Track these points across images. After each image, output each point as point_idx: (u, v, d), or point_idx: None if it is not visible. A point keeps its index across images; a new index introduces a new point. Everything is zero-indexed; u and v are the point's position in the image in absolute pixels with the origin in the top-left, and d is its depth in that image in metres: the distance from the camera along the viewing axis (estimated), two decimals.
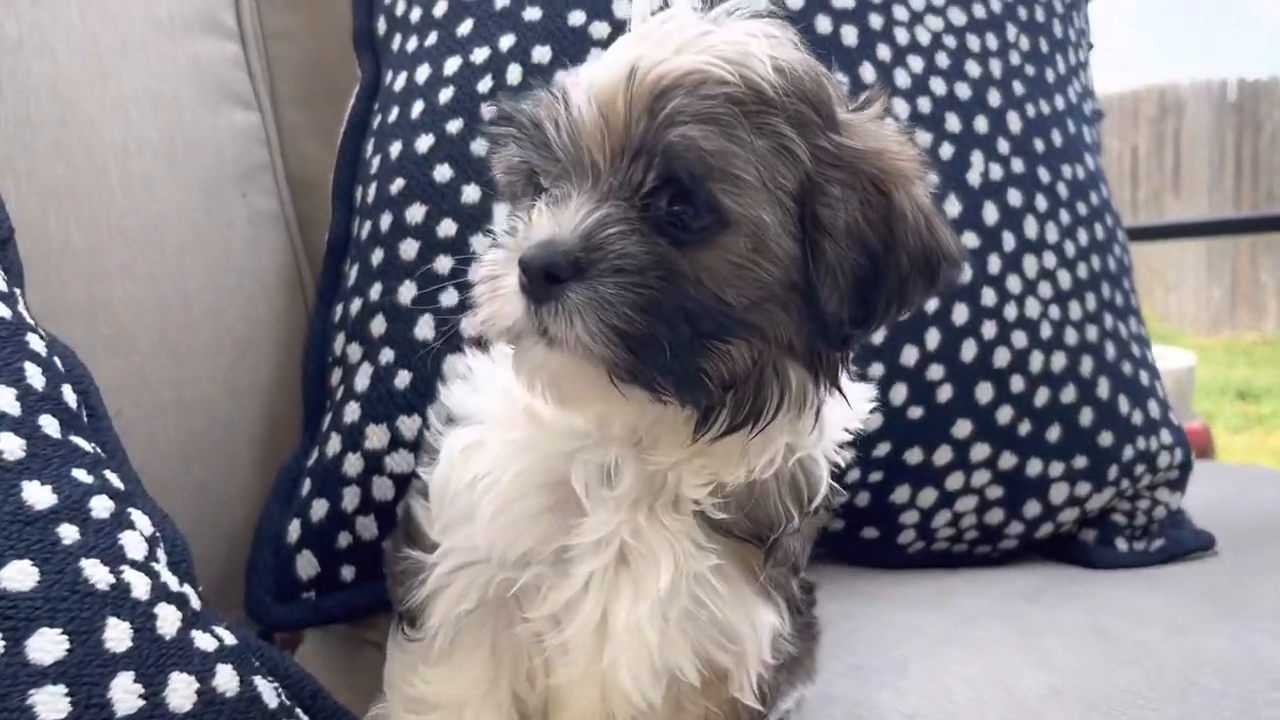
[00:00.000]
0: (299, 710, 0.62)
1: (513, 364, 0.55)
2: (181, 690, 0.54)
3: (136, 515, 0.59)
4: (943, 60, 1.03)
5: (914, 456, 1.01)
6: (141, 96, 0.97)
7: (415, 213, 0.90)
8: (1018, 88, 1.07)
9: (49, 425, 0.57)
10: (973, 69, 1.04)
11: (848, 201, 0.53)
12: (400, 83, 0.97)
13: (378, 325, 0.89)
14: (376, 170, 0.95)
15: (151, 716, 0.52)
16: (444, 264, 0.88)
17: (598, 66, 0.53)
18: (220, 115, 1.04)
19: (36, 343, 0.60)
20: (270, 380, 1.00)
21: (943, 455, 1.02)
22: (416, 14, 0.99)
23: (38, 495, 0.53)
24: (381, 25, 1.03)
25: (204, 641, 0.57)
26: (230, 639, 0.60)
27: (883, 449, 1.00)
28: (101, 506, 0.56)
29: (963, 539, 1.07)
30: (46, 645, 0.49)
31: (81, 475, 0.57)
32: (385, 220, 0.92)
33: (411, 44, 0.98)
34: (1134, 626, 0.84)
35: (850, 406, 0.60)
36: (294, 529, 0.88)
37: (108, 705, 0.50)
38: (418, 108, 0.94)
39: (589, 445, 0.58)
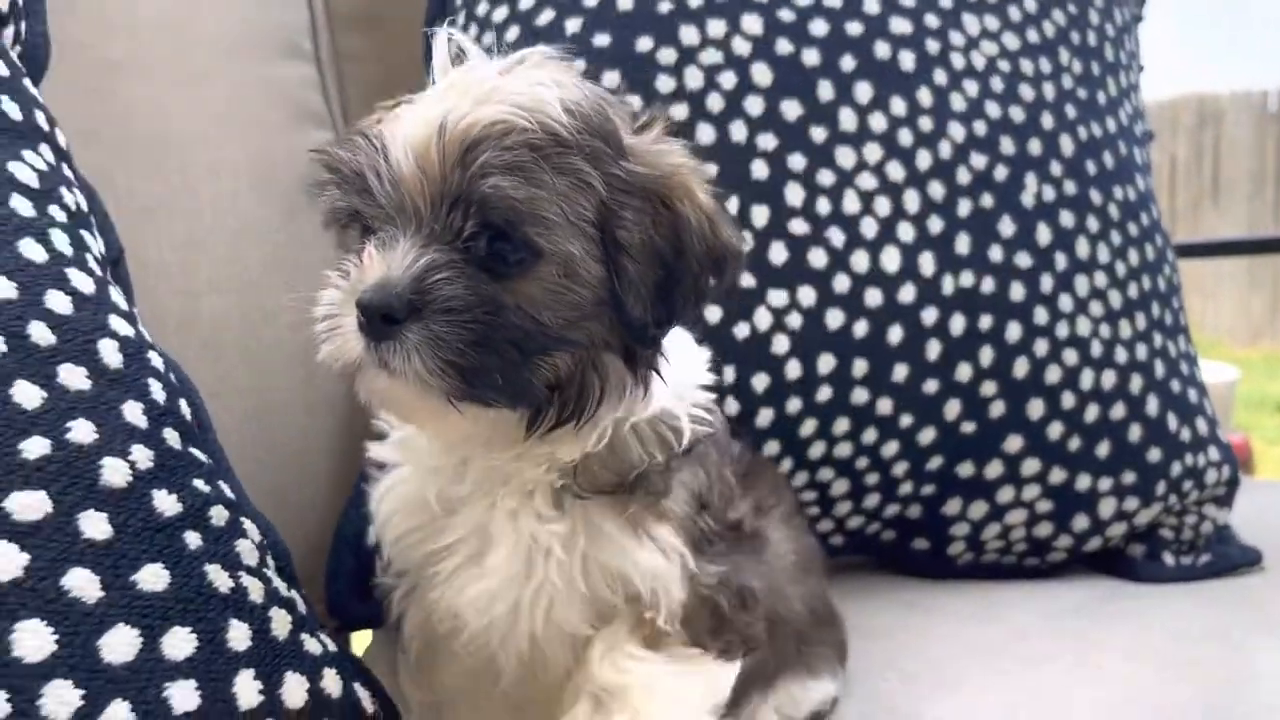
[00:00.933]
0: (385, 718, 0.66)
1: (357, 389, 0.60)
2: (295, 689, 0.57)
3: (248, 524, 0.63)
4: (997, 84, 1.06)
5: (966, 470, 1.04)
6: (228, 118, 1.02)
7: None
8: (1070, 111, 1.09)
9: (171, 438, 0.61)
10: (1026, 93, 1.07)
11: (640, 221, 0.60)
12: None
13: None
14: None
15: (270, 712, 0.56)
16: None
17: (411, 119, 0.58)
18: (298, 135, 1.09)
19: (156, 359, 0.65)
20: (345, 392, 1.04)
21: (994, 469, 1.04)
22: (488, 37, 1.03)
23: (166, 504, 0.57)
24: None
25: (311, 645, 0.61)
26: (331, 645, 0.64)
27: (935, 463, 1.03)
28: (219, 515, 0.60)
29: (1011, 551, 1.09)
30: (178, 643, 0.53)
31: (200, 485, 0.61)
32: None
33: None
34: (1185, 644, 0.86)
35: (691, 370, 0.69)
36: (372, 531, 0.92)
37: (232, 699, 0.54)
38: None
39: (445, 459, 0.66)
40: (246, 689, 0.55)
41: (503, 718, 0.72)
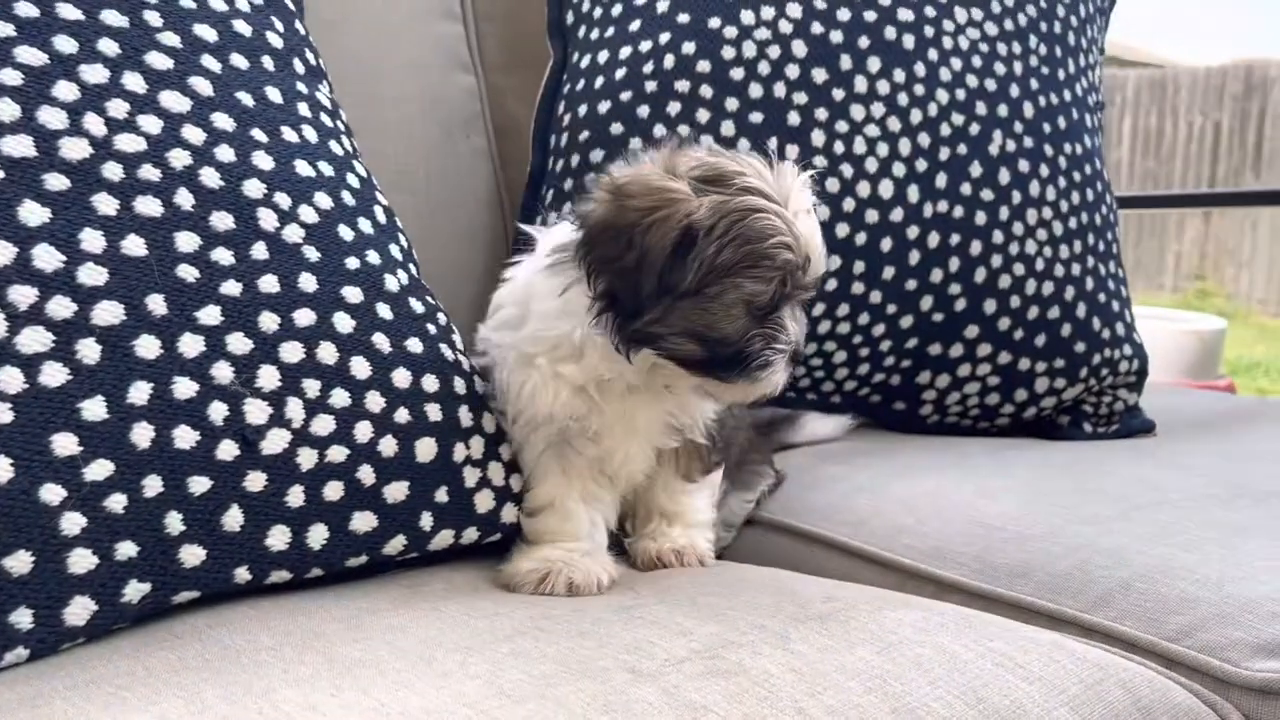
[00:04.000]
0: None
1: (754, 384, 0.89)
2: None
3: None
4: (976, 62, 1.41)
5: (935, 349, 1.41)
6: (405, 64, 1.39)
7: (596, 155, 1.32)
8: (1033, 84, 1.44)
9: (414, 270, 0.99)
10: (999, 69, 1.42)
11: None
12: (585, 62, 1.38)
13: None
14: (567, 124, 1.36)
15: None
16: None
17: (812, 235, 0.87)
18: (451, 77, 1.46)
19: (399, 223, 1.03)
20: (486, 268, 1.43)
21: (956, 350, 1.41)
22: (598, 12, 1.40)
23: (418, 307, 0.96)
24: (570, 17, 1.44)
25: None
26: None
27: (912, 342, 1.40)
28: (440, 317, 0.99)
29: (968, 415, 1.46)
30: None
31: (429, 299, 0.99)
32: (574, 159, 1.33)
33: (594, 34, 1.39)
34: (1074, 460, 1.24)
35: None
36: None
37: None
38: (599, 81, 1.35)
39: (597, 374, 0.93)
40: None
41: (584, 473, 1.00)
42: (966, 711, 0.71)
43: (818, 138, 1.33)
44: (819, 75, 1.34)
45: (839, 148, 1.34)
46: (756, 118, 1.31)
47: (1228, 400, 1.79)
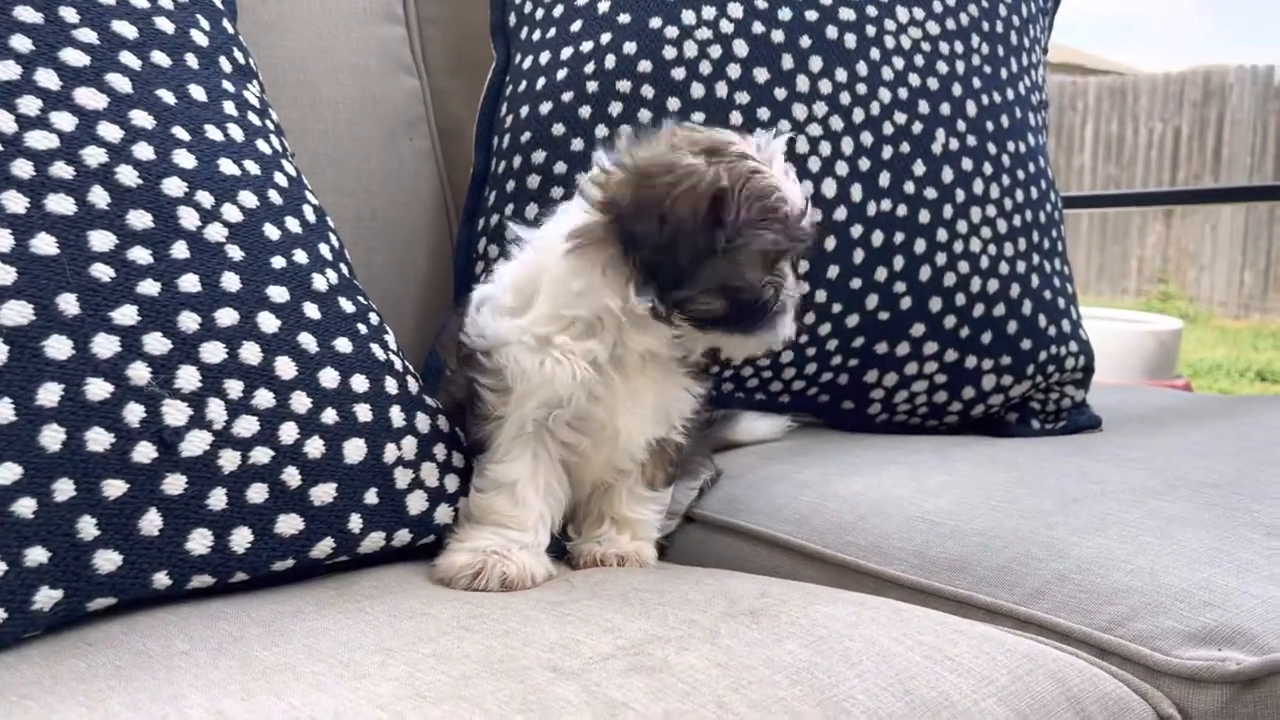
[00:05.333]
0: None
1: (769, 339, 0.96)
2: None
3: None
4: (919, 61, 1.41)
5: (881, 348, 1.41)
6: (345, 66, 1.38)
7: (538, 156, 1.31)
8: (976, 83, 1.44)
9: (345, 270, 0.98)
10: (942, 68, 1.42)
11: None
12: (527, 63, 1.37)
13: (509, 233, 1.30)
14: (509, 125, 1.35)
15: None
16: (557, 192, 1.29)
17: (799, 195, 0.95)
18: (393, 80, 1.45)
19: (329, 222, 1.02)
20: (428, 271, 1.42)
21: (903, 348, 1.41)
22: (540, 14, 1.39)
23: (348, 307, 0.94)
24: (512, 19, 1.43)
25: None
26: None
27: (858, 341, 1.40)
28: (373, 319, 0.98)
29: (916, 414, 1.46)
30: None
31: (360, 299, 0.98)
32: (516, 161, 1.32)
33: (536, 35, 1.38)
34: (1017, 456, 1.24)
35: None
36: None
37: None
38: (541, 83, 1.34)
39: (614, 350, 0.95)
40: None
41: (551, 469, 1.01)
42: (893, 703, 0.71)
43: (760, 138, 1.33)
44: (761, 75, 1.34)
45: None
46: (698, 118, 1.31)
47: (1175, 396, 1.81)
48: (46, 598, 0.74)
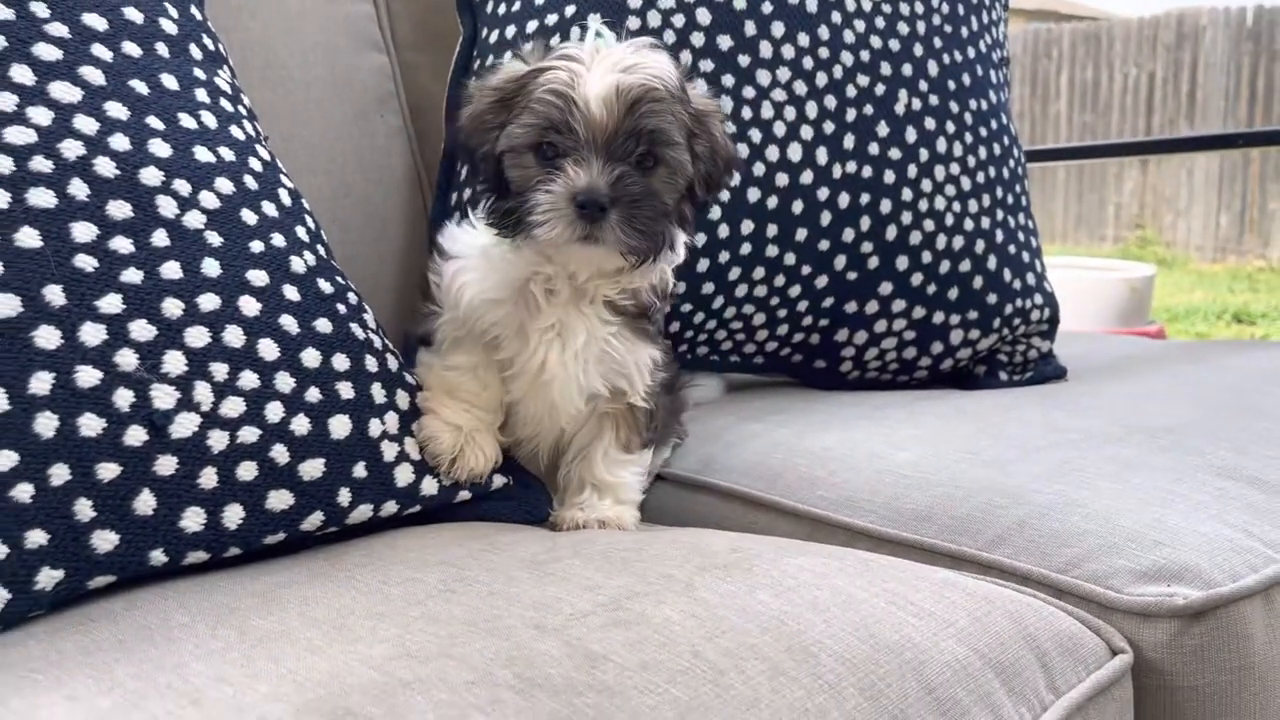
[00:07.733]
0: None
1: (551, 252, 0.97)
2: None
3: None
4: (880, 23, 1.43)
5: (851, 307, 1.44)
6: (314, 45, 1.39)
7: None
8: (936, 42, 1.47)
9: (321, 250, 1.01)
10: (902, 29, 1.45)
11: (700, 137, 0.99)
12: (494, 37, 1.39)
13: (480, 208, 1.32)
14: None
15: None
16: None
17: (594, 83, 0.92)
18: (362, 57, 1.46)
19: (305, 205, 1.04)
20: (404, 248, 1.44)
21: (871, 307, 1.44)
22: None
23: (326, 288, 0.97)
24: None
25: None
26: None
27: (828, 301, 1.43)
28: (351, 299, 1.00)
29: (887, 370, 1.50)
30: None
31: (339, 279, 1.01)
32: None
33: (502, 9, 1.40)
34: (981, 408, 1.28)
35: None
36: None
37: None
38: (506, 56, 1.35)
39: (538, 273, 1.01)
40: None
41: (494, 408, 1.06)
42: (859, 646, 0.75)
43: (725, 104, 1.35)
44: (724, 42, 1.36)
45: (747, 113, 1.36)
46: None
47: (1140, 344, 1.85)
48: (48, 578, 0.77)
